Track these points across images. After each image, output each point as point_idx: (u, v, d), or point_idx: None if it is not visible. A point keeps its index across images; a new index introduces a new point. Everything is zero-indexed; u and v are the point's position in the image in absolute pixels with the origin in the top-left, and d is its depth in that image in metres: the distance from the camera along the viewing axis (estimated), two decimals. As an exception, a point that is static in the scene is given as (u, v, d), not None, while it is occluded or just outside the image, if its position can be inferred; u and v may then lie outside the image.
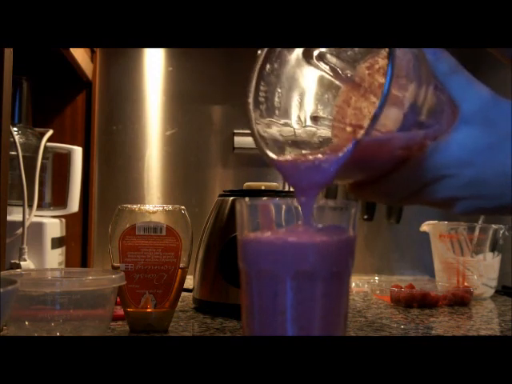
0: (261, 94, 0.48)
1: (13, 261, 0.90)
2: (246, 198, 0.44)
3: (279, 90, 0.50)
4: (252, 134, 0.47)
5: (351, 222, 0.44)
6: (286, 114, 0.51)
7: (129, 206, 0.70)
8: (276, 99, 0.50)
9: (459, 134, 0.44)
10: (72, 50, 1.01)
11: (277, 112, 0.50)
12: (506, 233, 1.07)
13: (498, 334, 0.74)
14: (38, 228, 0.96)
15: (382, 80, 0.48)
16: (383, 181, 0.46)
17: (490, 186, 0.44)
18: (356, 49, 0.50)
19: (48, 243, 0.98)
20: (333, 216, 0.44)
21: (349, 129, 0.50)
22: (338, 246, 0.43)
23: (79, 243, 1.24)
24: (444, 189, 0.45)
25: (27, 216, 0.92)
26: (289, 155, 0.47)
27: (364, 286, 1.12)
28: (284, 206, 0.44)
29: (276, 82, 0.49)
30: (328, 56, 0.50)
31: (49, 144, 1.05)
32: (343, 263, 0.43)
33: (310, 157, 0.43)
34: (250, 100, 0.47)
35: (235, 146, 1.28)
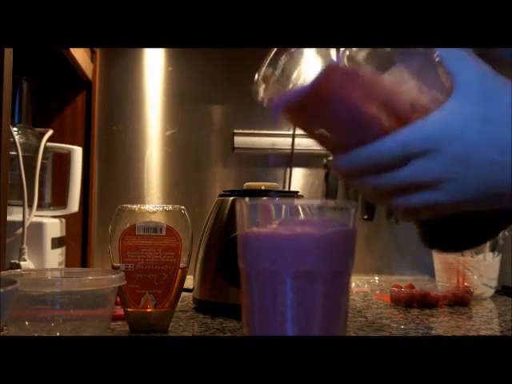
0: (280, 62, 0.47)
1: (13, 261, 0.90)
2: (246, 198, 0.44)
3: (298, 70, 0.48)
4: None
5: (351, 222, 0.44)
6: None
7: (129, 205, 0.70)
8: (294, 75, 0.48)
9: (450, 105, 0.42)
10: (72, 50, 1.01)
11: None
12: (506, 233, 1.07)
13: (498, 334, 0.74)
14: (38, 228, 0.96)
15: None
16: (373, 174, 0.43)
17: (480, 165, 0.41)
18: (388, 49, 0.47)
19: (48, 243, 0.98)
20: (333, 216, 0.44)
21: None
22: (338, 242, 0.42)
23: (79, 243, 1.24)
24: (430, 165, 0.41)
25: (27, 216, 0.92)
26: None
27: (364, 286, 1.12)
28: (284, 206, 0.44)
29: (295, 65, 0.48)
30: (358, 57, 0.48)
31: (49, 144, 1.05)
32: (343, 262, 0.43)
33: None
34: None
35: (235, 146, 1.28)
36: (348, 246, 0.43)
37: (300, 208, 0.44)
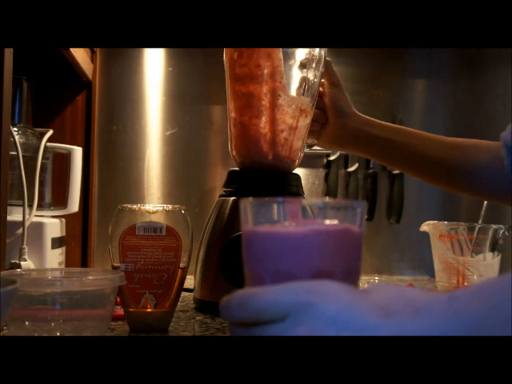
0: None
1: (13, 261, 0.90)
2: (250, 198, 0.43)
3: None
4: None
5: (357, 222, 0.43)
6: None
7: (129, 205, 0.70)
8: None
9: None
10: (72, 50, 1.01)
11: None
12: (506, 233, 1.07)
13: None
14: (38, 228, 0.96)
15: None
16: None
17: None
18: None
19: (48, 243, 0.98)
20: (338, 216, 0.43)
21: None
22: (352, 241, 0.42)
23: (79, 243, 1.24)
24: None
25: (27, 216, 0.92)
26: None
27: (364, 286, 1.12)
28: (292, 206, 0.43)
29: None
30: None
31: (49, 144, 1.05)
32: (356, 262, 0.43)
33: None
34: None
35: (235, 145, 1.28)
36: (359, 244, 0.43)
37: (310, 207, 0.43)
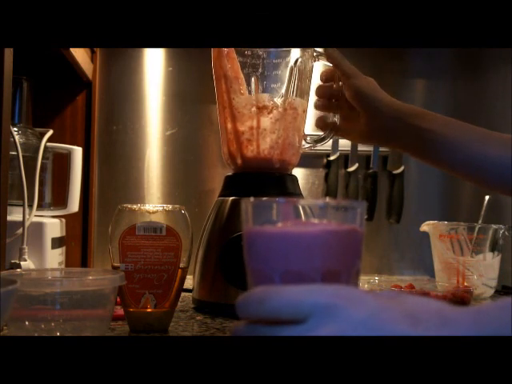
0: None
1: (13, 261, 0.90)
2: (251, 198, 0.43)
3: None
4: None
5: (358, 222, 0.43)
6: None
7: (129, 205, 0.70)
8: None
9: None
10: (72, 50, 1.01)
11: None
12: (506, 233, 1.07)
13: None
14: (38, 228, 0.96)
15: None
16: None
17: None
18: None
19: (48, 243, 0.98)
20: (339, 216, 0.43)
21: None
22: (355, 241, 0.42)
23: (79, 243, 1.24)
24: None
25: (27, 216, 0.92)
26: None
27: (364, 286, 1.12)
28: (297, 206, 0.43)
29: None
30: None
31: (49, 144, 1.05)
32: (359, 261, 0.43)
33: None
34: None
35: (235, 145, 1.28)
36: (361, 244, 0.43)
37: (311, 208, 0.43)
